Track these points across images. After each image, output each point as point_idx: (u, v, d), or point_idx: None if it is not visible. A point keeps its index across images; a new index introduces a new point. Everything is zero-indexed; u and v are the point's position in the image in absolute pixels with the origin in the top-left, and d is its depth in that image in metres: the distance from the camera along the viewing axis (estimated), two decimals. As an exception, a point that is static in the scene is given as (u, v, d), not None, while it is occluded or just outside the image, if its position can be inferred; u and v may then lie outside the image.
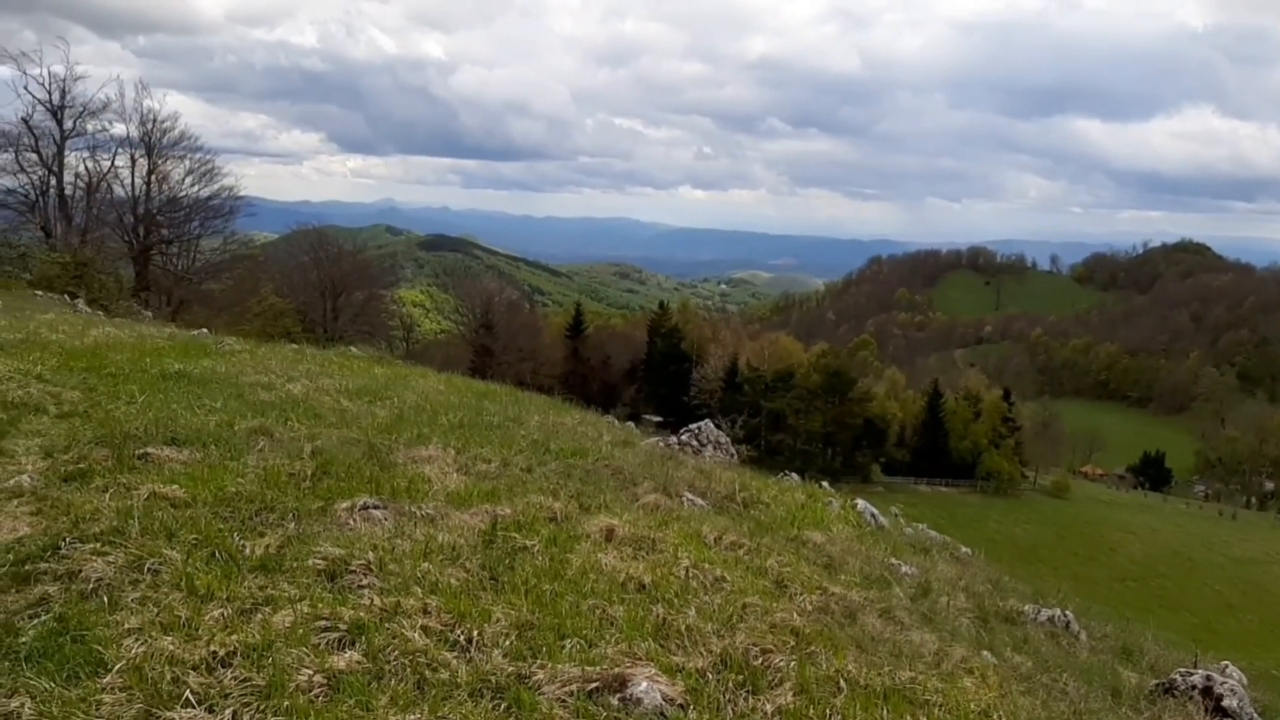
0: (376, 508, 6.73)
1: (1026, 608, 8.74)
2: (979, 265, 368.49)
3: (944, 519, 74.72)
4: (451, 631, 4.89)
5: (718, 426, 16.18)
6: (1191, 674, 7.25)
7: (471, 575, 5.73)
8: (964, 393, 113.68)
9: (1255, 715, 7.09)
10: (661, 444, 13.71)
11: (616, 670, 4.66)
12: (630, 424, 19.64)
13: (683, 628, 5.37)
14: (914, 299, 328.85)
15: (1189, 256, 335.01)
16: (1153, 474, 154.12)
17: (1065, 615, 8.80)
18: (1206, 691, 7.08)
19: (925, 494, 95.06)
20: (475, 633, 4.89)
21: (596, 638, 5.06)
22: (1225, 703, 6.97)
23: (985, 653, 6.69)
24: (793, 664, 5.14)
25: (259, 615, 4.82)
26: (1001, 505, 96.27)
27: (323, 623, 4.77)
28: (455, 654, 4.69)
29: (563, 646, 4.87)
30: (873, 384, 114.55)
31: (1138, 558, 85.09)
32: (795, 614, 6.01)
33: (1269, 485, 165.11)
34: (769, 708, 4.69)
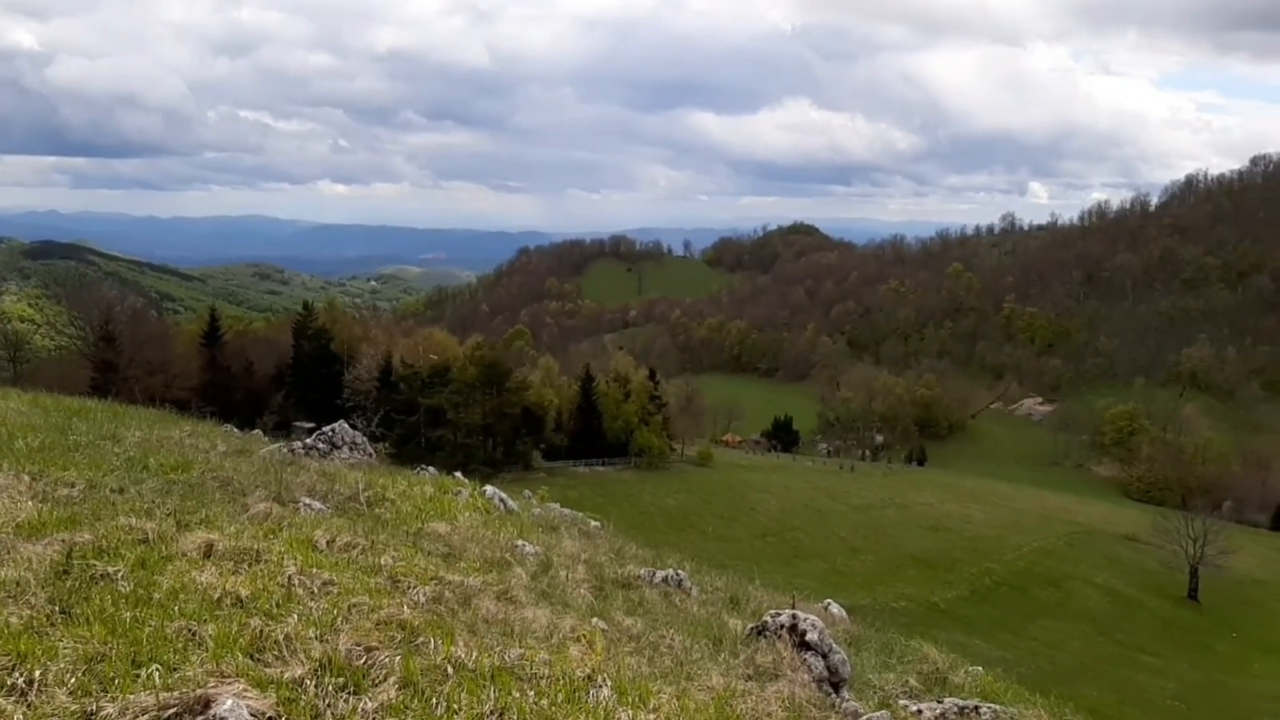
0: (-80, 552, 5.91)
1: (643, 572, 9.31)
2: (620, 253, 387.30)
3: (601, 497, 77.79)
4: (9, 676, 4.38)
5: (354, 426, 15.77)
6: (779, 615, 8.08)
7: (38, 611, 5.18)
8: (614, 375, 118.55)
9: (834, 645, 8.03)
10: (284, 449, 13.13)
11: (199, 692, 4.39)
12: (258, 432, 18.63)
13: (280, 637, 5.16)
14: (563, 288, 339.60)
15: (801, 238, 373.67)
16: (783, 437, 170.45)
17: (678, 574, 9.48)
18: (792, 629, 7.94)
19: (584, 475, 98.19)
20: (38, 673, 4.41)
21: (180, 660, 4.73)
22: (808, 637, 7.86)
23: (596, 620, 7.04)
24: (398, 658, 5.11)
25: None
26: (654, 478, 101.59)
27: None
28: (13, 700, 4.21)
29: (138, 675, 4.53)
30: (529, 373, 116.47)
31: (775, 514, 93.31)
32: (406, 607, 5.97)
33: (879, 438, 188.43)
34: (371, 706, 4.61)
